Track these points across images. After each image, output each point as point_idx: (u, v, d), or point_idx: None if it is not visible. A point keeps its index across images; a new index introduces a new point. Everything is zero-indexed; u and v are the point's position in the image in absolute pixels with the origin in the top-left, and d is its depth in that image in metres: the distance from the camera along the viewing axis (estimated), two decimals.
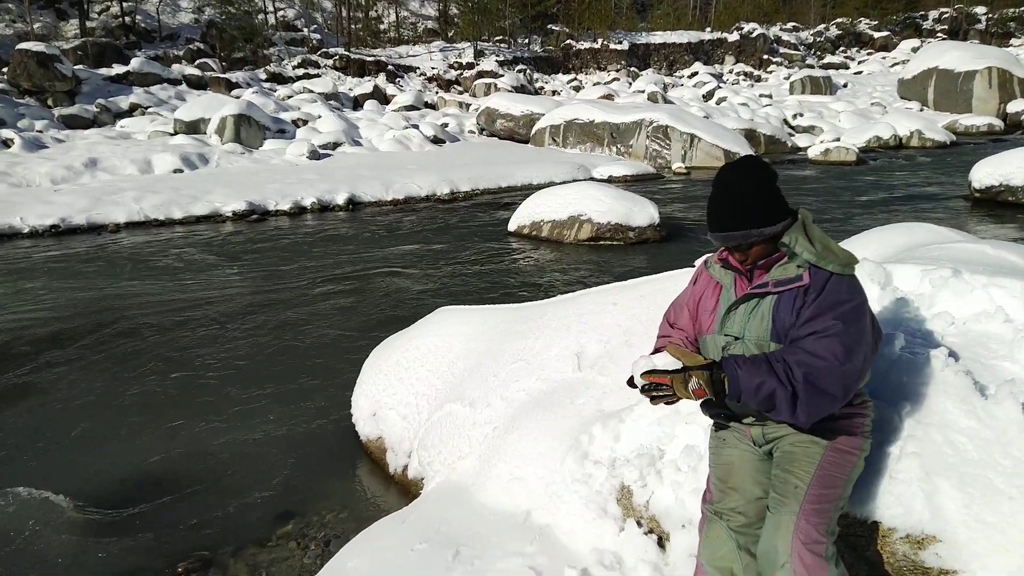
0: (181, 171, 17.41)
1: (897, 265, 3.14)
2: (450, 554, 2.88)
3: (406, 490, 4.13)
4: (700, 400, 1.99)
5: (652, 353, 2.13)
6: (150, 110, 24.57)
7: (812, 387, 1.90)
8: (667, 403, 2.04)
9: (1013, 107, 29.09)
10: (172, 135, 20.92)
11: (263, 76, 32.83)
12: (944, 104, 31.08)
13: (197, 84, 28.92)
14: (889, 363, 2.49)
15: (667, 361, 2.01)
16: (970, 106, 30.15)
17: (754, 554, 2.09)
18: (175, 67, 30.47)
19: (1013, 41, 52.59)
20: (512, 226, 12.23)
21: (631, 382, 2.07)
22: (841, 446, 2.07)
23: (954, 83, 30.96)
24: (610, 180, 17.92)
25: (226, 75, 30.83)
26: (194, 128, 21.13)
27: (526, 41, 47.14)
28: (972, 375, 2.40)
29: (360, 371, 5.09)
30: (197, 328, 7.45)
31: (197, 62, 32.17)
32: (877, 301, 2.87)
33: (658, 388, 2.00)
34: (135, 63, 28.12)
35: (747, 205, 2.00)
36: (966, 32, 54.23)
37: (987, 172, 13.59)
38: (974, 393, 2.33)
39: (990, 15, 56.79)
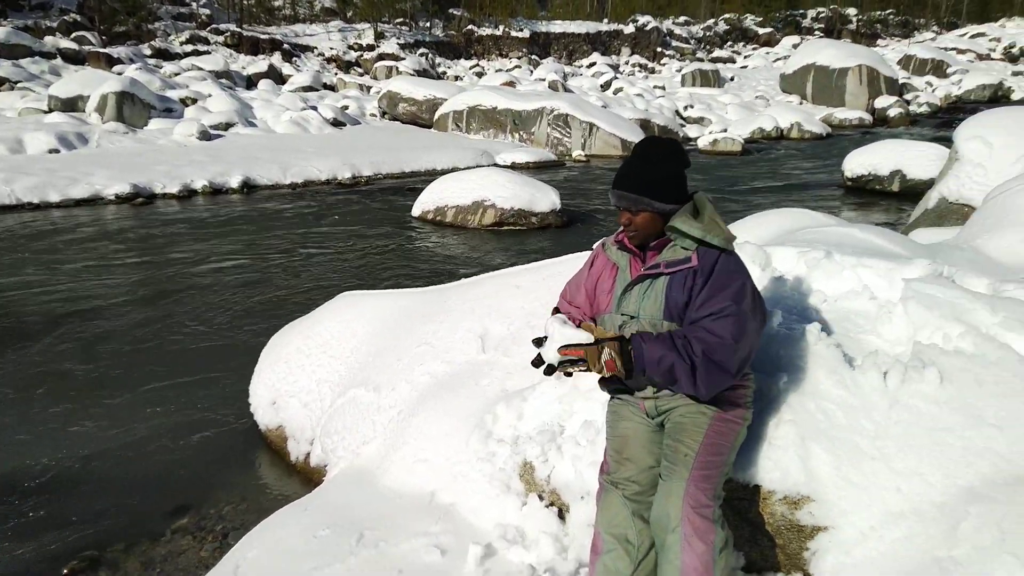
0: (57, 151, 16.17)
1: (776, 247, 3.36)
2: (354, 538, 2.87)
3: (308, 478, 4.07)
4: (606, 374, 2.08)
5: (553, 317, 2.25)
6: (20, 85, 22.63)
7: (710, 362, 2.04)
8: (581, 371, 2.12)
9: (880, 103, 31.30)
10: (47, 112, 19.36)
11: (147, 52, 30.95)
12: (821, 98, 33.02)
13: (74, 59, 26.90)
14: (768, 338, 2.67)
15: (580, 334, 2.10)
16: (844, 101, 32.18)
17: (647, 520, 2.20)
18: (48, 39, 28.21)
19: (879, 42, 56.78)
20: (416, 211, 12.14)
21: (537, 362, 2.14)
22: (726, 416, 2.22)
23: (830, 79, 32.95)
24: (513, 166, 18.04)
25: (107, 50, 28.84)
26: (71, 105, 19.63)
27: (427, 25, 46.58)
28: (842, 348, 2.61)
29: (258, 359, 4.94)
30: (80, 320, 7.00)
31: (73, 35, 29.90)
32: (758, 281, 3.06)
33: (573, 362, 2.08)
34: (1, 33, 25.82)
35: (650, 175, 2.16)
36: (840, 32, 57.92)
37: (858, 162, 14.83)
38: (843, 364, 2.53)
39: (860, 16, 60.97)
